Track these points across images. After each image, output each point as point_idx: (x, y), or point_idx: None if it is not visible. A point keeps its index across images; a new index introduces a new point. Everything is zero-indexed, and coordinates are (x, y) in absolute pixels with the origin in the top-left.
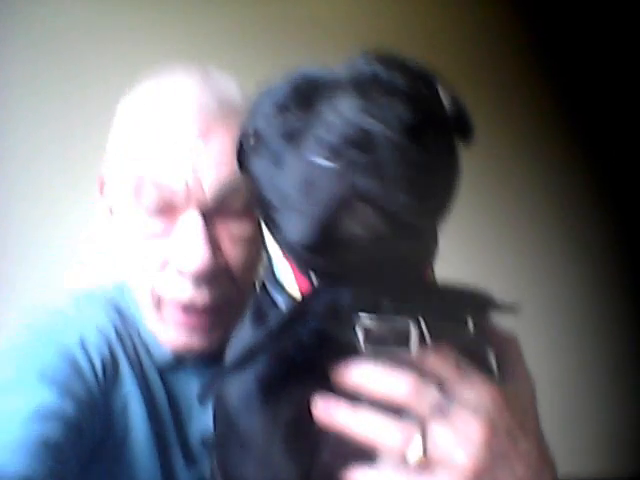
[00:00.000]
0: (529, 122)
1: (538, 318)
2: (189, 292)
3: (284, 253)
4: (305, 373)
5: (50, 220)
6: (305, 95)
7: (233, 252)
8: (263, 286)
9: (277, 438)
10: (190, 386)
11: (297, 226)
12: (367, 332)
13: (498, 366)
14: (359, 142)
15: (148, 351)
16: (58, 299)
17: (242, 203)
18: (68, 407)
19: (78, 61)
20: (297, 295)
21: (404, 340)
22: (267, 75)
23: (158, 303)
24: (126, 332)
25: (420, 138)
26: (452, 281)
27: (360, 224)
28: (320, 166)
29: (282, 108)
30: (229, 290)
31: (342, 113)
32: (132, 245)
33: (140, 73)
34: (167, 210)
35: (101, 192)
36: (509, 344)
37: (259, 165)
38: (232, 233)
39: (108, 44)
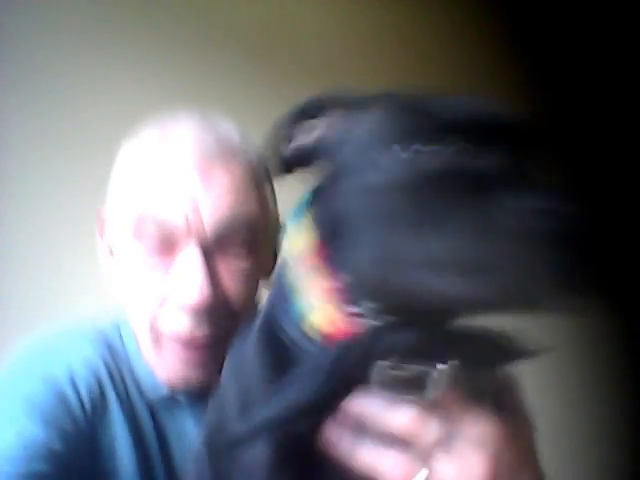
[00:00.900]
0: None
1: None
2: (188, 326)
3: (336, 288)
4: (321, 412)
5: (48, 260)
6: (429, 131)
7: (232, 286)
8: (272, 322)
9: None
10: (182, 423)
11: None
12: (388, 370)
13: (500, 403)
14: None
15: (139, 388)
16: (49, 331)
17: (241, 238)
18: (55, 442)
19: (79, 103)
20: (329, 334)
21: (422, 382)
22: (269, 119)
23: (157, 338)
24: (116, 369)
25: None
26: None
27: None
28: None
29: (404, 145)
30: (228, 325)
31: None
32: (132, 282)
33: (142, 116)
34: (167, 245)
35: (101, 233)
36: (509, 382)
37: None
38: (231, 268)
39: (109, 88)
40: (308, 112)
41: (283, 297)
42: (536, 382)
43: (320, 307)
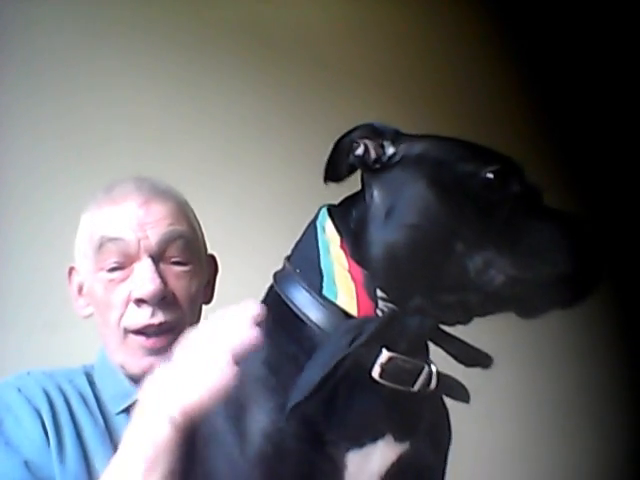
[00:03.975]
0: None
1: None
2: (147, 317)
3: (356, 272)
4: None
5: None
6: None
7: (177, 285)
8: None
9: None
10: None
11: None
12: (389, 360)
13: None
14: None
15: (102, 405)
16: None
17: (179, 249)
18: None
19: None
20: (351, 311)
21: (413, 377)
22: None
23: (124, 335)
24: (64, 401)
25: None
26: None
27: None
28: None
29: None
30: (177, 318)
31: None
32: (101, 301)
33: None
34: (124, 260)
35: (70, 281)
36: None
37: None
38: (174, 271)
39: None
40: (375, 132)
41: (314, 277)
42: (536, 381)
43: (346, 287)
